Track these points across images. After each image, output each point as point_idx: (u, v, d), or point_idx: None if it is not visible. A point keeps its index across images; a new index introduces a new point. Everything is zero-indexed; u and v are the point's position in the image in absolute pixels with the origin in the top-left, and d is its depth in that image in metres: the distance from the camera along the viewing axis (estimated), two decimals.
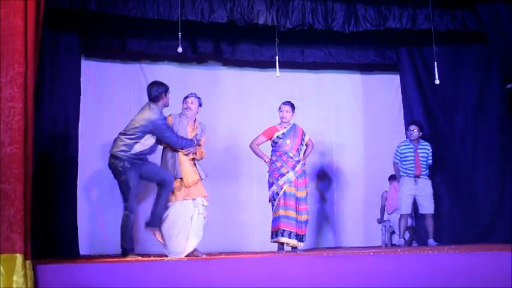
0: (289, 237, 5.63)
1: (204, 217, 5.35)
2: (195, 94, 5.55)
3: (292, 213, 5.67)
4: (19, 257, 3.28)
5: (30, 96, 3.49)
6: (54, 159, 5.82)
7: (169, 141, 5.12)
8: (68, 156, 5.96)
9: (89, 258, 5.40)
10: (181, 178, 5.25)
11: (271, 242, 5.76)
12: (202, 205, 5.33)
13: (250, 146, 6.02)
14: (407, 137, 6.85)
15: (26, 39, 3.48)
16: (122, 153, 4.94)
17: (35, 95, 3.59)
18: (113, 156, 4.99)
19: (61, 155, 5.92)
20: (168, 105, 5.22)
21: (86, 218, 6.40)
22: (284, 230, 5.62)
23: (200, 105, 5.54)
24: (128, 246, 5.01)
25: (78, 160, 6.12)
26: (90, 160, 6.57)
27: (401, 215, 6.74)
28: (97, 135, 6.63)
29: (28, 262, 3.33)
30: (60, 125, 5.97)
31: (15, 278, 3.25)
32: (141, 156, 5.05)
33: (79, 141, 6.19)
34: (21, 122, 3.38)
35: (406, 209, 6.68)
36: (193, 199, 5.27)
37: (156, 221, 5.17)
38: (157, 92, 5.08)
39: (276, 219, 5.69)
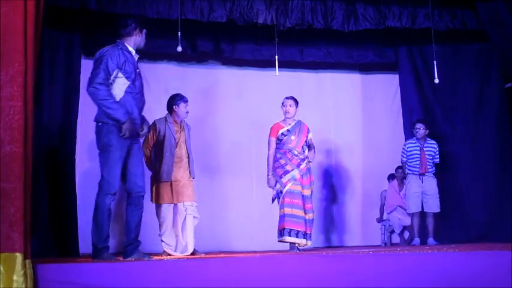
0: (297, 237, 5.40)
1: (194, 217, 5.43)
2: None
3: (300, 212, 5.44)
4: (19, 256, 3.27)
5: (30, 95, 3.47)
6: (54, 158, 5.82)
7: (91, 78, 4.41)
8: (67, 155, 5.95)
9: (89, 257, 5.38)
10: (171, 182, 5.35)
11: (278, 241, 5.51)
12: (192, 206, 5.41)
13: (268, 159, 5.64)
14: (414, 135, 6.84)
15: (25, 38, 3.47)
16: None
17: (35, 93, 3.58)
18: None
19: (60, 153, 5.92)
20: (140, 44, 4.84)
21: (86, 217, 6.38)
22: (291, 229, 5.38)
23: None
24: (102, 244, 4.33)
25: (77, 159, 6.11)
26: (90, 159, 6.55)
27: (412, 213, 6.74)
28: None
29: (28, 261, 3.32)
30: (59, 124, 5.96)
31: (15, 277, 3.24)
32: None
33: (77, 140, 6.18)
34: (21, 121, 3.37)
35: (415, 207, 6.67)
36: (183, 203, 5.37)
37: (99, 250, 4.34)
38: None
39: (281, 217, 5.44)
